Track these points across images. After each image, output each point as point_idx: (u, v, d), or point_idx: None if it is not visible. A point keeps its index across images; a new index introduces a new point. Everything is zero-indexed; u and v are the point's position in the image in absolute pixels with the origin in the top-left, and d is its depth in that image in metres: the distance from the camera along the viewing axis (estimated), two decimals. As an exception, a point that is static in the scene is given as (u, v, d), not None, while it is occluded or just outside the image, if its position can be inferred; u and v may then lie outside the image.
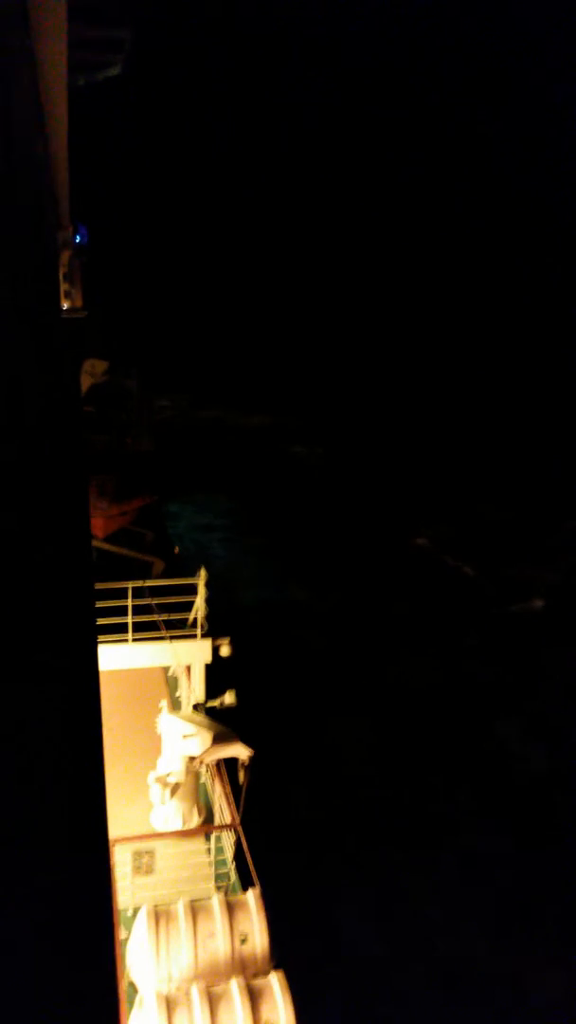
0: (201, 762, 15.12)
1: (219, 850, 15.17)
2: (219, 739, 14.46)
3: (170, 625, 16.53)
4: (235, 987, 11.33)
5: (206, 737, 14.57)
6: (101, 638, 15.67)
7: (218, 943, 12.16)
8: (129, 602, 15.98)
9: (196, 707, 16.69)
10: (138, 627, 16.19)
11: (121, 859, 14.38)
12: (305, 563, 39.93)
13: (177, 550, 22.11)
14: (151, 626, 16.33)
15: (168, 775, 15.67)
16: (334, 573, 39.11)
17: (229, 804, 15.15)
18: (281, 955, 12.13)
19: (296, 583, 38.11)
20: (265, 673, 27.01)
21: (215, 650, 16.85)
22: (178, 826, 15.89)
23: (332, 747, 25.76)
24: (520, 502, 46.88)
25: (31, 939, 1.70)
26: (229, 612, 19.04)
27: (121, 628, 16.03)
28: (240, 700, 16.30)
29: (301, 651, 31.89)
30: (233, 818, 14.73)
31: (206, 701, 16.85)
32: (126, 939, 12.81)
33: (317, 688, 29.11)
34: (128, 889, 14.18)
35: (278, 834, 19.23)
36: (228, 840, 14.93)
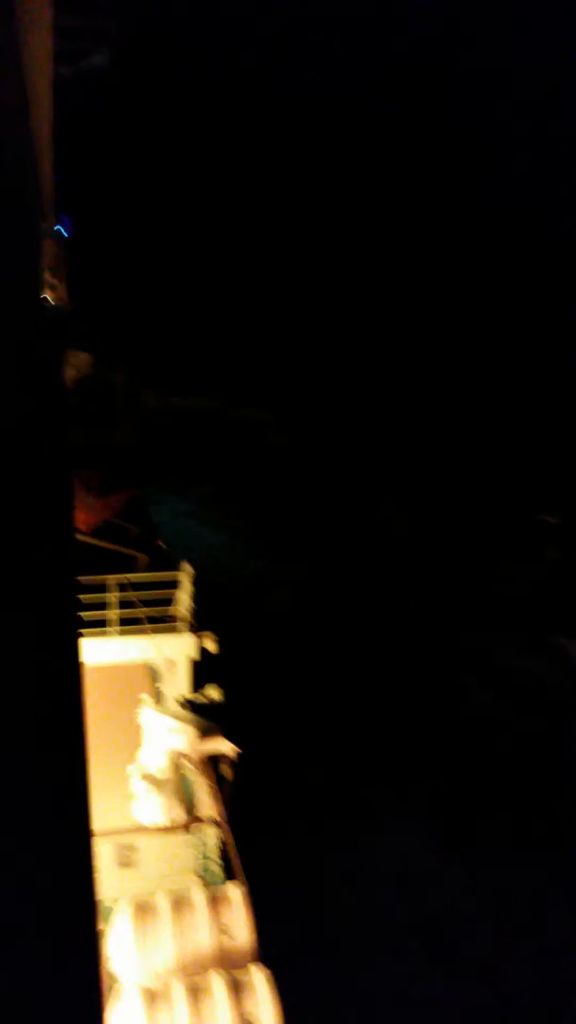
0: (186, 757, 15.13)
1: (202, 844, 15.19)
2: (204, 734, 14.48)
3: (154, 620, 16.54)
4: (217, 980, 11.35)
5: (190, 732, 14.58)
6: (84, 632, 15.66)
7: (200, 936, 12.17)
8: (113, 596, 15.96)
9: (180, 702, 16.70)
10: (122, 622, 16.18)
11: (103, 852, 14.37)
12: (281, 540, 40.88)
13: (162, 544, 22.08)
14: (135, 620, 16.33)
15: (152, 770, 15.67)
16: (308, 550, 40.07)
17: (213, 798, 15.17)
18: (264, 948, 12.16)
19: (272, 558, 39.11)
20: (248, 657, 27.11)
21: (200, 644, 16.88)
22: (161, 820, 15.89)
23: (314, 729, 25.89)
24: (492, 493, 47.21)
25: (13, 934, 1.70)
26: (213, 598, 19.09)
27: (104, 623, 16.03)
28: (225, 690, 16.35)
29: (279, 624, 32.40)
30: (217, 812, 14.75)
31: (191, 696, 16.87)
32: (107, 932, 12.81)
33: (295, 662, 29.43)
34: (109, 883, 14.17)
35: (261, 828, 19.26)
36: (212, 834, 14.95)
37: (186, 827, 15.80)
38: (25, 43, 7.01)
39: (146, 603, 16.57)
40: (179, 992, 11.16)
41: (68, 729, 2.31)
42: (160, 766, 15.68)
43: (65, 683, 2.46)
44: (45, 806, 2.06)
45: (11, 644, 2.44)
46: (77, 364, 26.77)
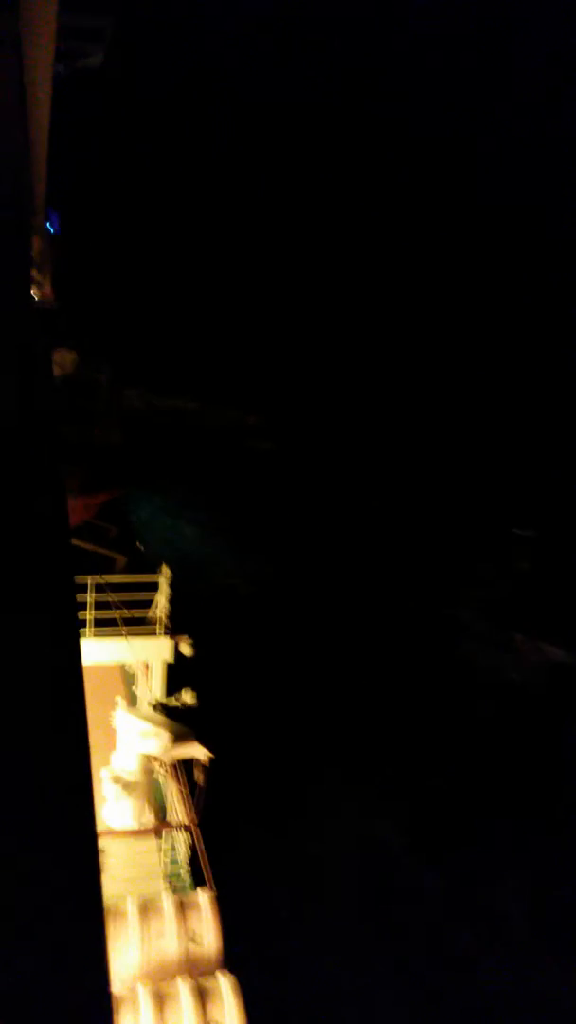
0: (158, 761, 15.05)
1: (172, 849, 15.12)
2: (178, 739, 14.41)
3: (131, 622, 16.42)
4: (183, 987, 11.29)
5: (164, 736, 14.50)
6: None
7: (167, 942, 12.10)
8: (89, 597, 15.83)
9: (154, 705, 16.59)
10: (98, 623, 16.04)
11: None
12: (262, 540, 41.26)
13: (140, 545, 21.98)
14: (111, 621, 16.20)
15: (123, 772, 15.56)
16: (288, 549, 40.40)
17: (184, 803, 15.10)
18: (232, 956, 12.12)
19: (253, 557, 39.44)
20: (224, 660, 27.05)
21: (175, 648, 16.78)
22: (131, 824, 15.79)
23: (291, 733, 25.85)
24: (465, 508, 47.45)
25: (22, 936, 1.71)
26: (190, 598, 19.01)
27: (80, 623, 15.88)
28: (200, 694, 16.25)
29: (257, 623, 32.56)
30: (188, 818, 14.68)
31: (164, 699, 16.76)
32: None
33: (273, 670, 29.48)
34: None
35: (232, 834, 19.21)
36: (182, 840, 14.88)
37: (156, 832, 15.71)
38: (27, 43, 7.00)
39: (123, 604, 16.45)
40: (145, 998, 11.09)
41: (71, 729, 2.32)
42: (131, 769, 15.58)
43: (67, 682, 2.48)
44: (51, 805, 2.08)
45: (14, 643, 2.45)
46: (61, 362, 26.63)
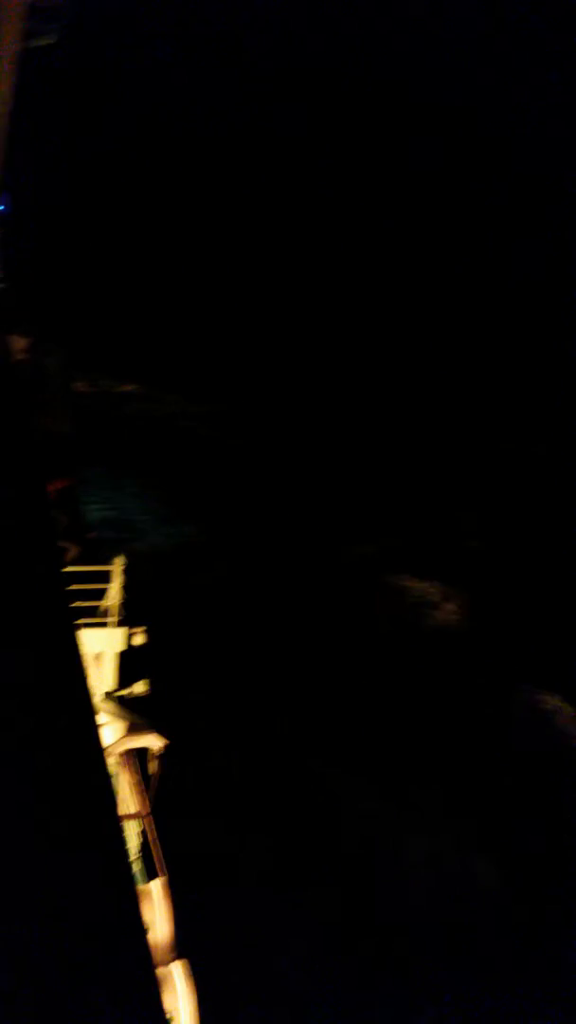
0: (111, 751, 14.99)
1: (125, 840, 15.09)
2: (132, 729, 14.39)
3: (83, 612, 16.28)
4: (136, 977, 11.33)
5: (118, 727, 14.47)
6: None
7: (120, 933, 12.12)
8: None
9: (106, 695, 16.51)
10: None
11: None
12: (203, 514, 41.67)
13: (93, 535, 21.75)
14: None
15: (75, 763, 15.43)
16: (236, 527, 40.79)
17: (137, 793, 15.05)
18: (185, 946, 12.20)
19: (192, 527, 39.83)
20: (178, 647, 27.03)
21: (128, 639, 16.70)
22: (82, 815, 15.67)
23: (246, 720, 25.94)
24: (415, 494, 48.04)
25: (59, 918, 1.76)
26: (143, 581, 18.98)
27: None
28: (153, 684, 16.23)
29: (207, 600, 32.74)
30: (141, 807, 14.64)
31: (117, 689, 16.68)
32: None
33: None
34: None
35: (186, 825, 19.24)
36: (134, 830, 14.85)
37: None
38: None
39: (75, 595, 16.28)
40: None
41: (81, 718, 2.37)
42: (84, 760, 15.47)
43: (72, 674, 2.52)
44: (76, 792, 2.13)
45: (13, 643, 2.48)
46: (11, 347, 26.08)
